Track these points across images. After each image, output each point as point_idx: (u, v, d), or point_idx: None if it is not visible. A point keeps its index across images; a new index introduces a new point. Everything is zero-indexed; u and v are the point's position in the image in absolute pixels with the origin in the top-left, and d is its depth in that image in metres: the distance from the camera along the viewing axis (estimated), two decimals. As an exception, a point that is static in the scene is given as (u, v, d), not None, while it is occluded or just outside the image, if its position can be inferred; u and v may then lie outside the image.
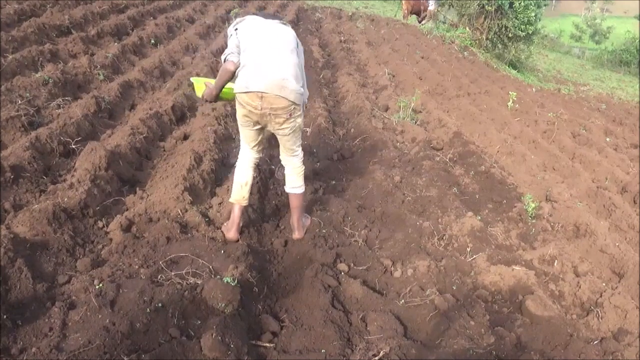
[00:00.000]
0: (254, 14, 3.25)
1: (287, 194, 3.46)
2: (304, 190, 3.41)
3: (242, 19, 3.17)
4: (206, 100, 3.30)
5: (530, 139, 6.35)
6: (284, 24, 3.20)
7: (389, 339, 2.47)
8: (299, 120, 3.17)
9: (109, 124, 4.88)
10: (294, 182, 3.36)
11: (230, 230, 3.23)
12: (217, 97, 3.22)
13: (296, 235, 3.41)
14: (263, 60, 2.95)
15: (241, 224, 3.30)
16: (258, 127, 3.16)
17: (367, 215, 3.91)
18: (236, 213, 3.24)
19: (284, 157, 3.37)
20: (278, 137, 3.26)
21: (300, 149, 3.37)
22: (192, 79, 3.64)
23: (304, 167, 3.40)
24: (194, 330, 2.37)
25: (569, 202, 4.51)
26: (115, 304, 2.37)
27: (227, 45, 3.10)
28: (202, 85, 3.31)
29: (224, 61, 3.04)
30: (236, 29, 3.09)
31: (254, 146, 3.30)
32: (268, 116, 3.03)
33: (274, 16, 3.27)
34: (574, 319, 3.06)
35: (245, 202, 3.29)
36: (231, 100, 3.26)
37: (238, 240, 3.23)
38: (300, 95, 3.05)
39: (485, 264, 3.41)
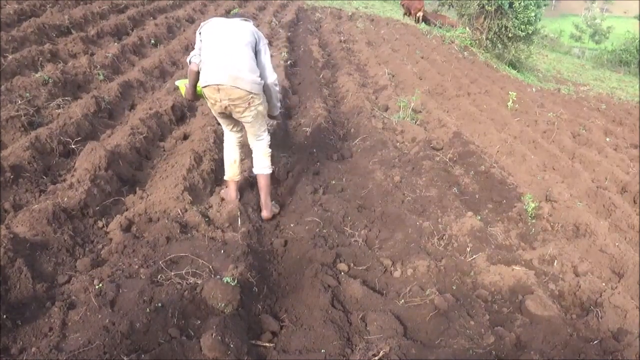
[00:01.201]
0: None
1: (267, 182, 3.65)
2: (271, 171, 3.70)
3: (207, 22, 3.42)
4: (189, 100, 3.61)
5: (530, 139, 6.35)
6: (246, 20, 3.43)
7: (389, 338, 2.47)
8: (260, 108, 3.42)
9: (109, 124, 4.88)
10: (262, 162, 3.63)
11: (232, 197, 3.66)
12: (194, 95, 3.52)
13: (264, 213, 3.65)
14: (218, 56, 3.23)
15: (238, 194, 3.72)
16: (226, 114, 3.47)
17: (367, 215, 3.90)
18: (232, 187, 3.70)
19: (251, 141, 3.65)
20: (243, 124, 3.52)
21: (266, 133, 3.65)
22: (177, 83, 3.85)
23: (270, 150, 3.67)
24: (194, 330, 2.37)
25: (569, 202, 4.51)
26: (115, 304, 2.38)
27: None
28: (184, 87, 3.63)
29: (189, 63, 3.40)
30: (200, 33, 3.39)
31: (232, 128, 3.65)
32: (229, 107, 3.33)
33: (237, 14, 3.50)
34: (574, 318, 3.06)
35: (238, 178, 3.72)
36: None
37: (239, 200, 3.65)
38: (257, 85, 3.31)
39: (485, 264, 3.41)
